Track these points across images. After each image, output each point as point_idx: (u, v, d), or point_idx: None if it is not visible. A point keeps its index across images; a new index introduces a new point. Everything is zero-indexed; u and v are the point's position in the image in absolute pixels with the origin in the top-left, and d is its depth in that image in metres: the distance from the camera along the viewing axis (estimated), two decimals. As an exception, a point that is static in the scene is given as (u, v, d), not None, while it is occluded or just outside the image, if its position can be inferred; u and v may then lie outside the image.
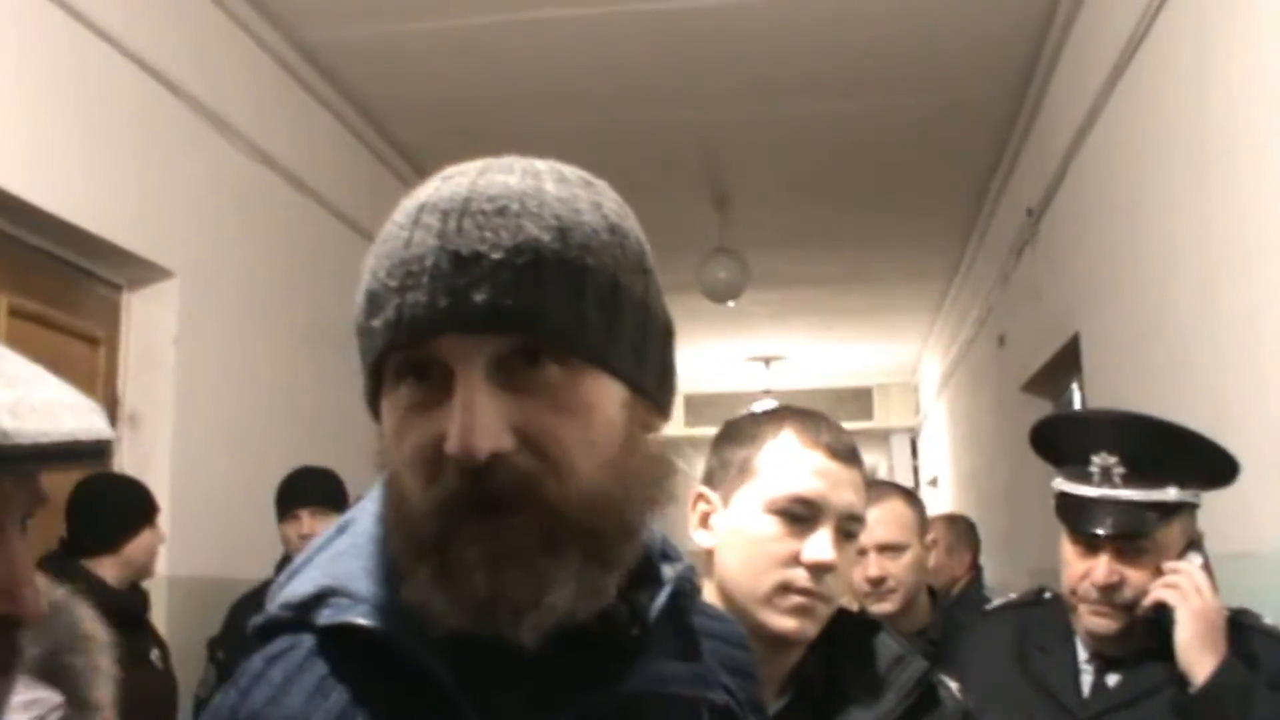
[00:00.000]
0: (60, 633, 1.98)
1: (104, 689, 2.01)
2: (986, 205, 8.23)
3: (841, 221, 8.68)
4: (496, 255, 0.98)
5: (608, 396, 1.06)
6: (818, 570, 1.78)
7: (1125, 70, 4.68)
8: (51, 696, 1.88)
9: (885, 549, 3.46)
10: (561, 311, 1.00)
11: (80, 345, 4.49)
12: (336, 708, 1.04)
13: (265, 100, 5.49)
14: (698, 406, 15.83)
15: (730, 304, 8.50)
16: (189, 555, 4.63)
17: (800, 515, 1.80)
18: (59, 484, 4.01)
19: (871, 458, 19.89)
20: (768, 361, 14.11)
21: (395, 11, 5.37)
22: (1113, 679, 2.57)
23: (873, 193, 8.09)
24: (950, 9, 5.51)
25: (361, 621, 1.05)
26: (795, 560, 1.78)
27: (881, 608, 3.45)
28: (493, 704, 1.03)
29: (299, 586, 1.11)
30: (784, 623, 1.77)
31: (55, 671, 1.93)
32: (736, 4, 5.43)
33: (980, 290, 8.95)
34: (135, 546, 3.95)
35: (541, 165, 1.08)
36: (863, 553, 3.45)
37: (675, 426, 16.17)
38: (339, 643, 1.06)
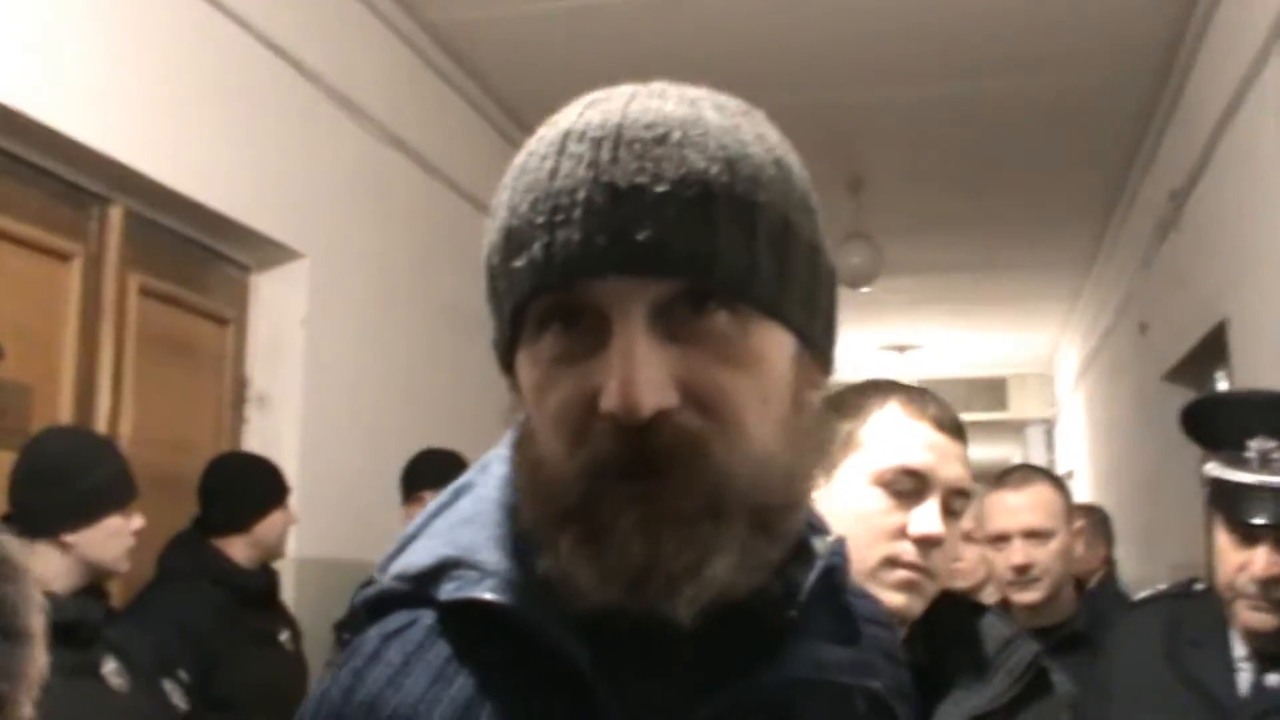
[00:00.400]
0: None
1: (36, 618, 1.93)
2: (1127, 188, 8.00)
3: (977, 206, 8.49)
4: (660, 188, 0.88)
5: (778, 348, 0.96)
6: (925, 544, 1.71)
7: (1276, 43, 4.48)
8: None
9: (1031, 535, 3.33)
10: (733, 253, 0.90)
11: (210, 326, 4.51)
12: (462, 695, 0.94)
13: (396, 84, 5.48)
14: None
15: (864, 290, 8.36)
16: (316, 537, 4.63)
17: (907, 488, 1.73)
18: (192, 464, 4.03)
19: (1006, 450, 19.61)
20: (901, 350, 13.88)
21: (526, -7, 5.34)
22: (1274, 679, 2.43)
23: (1009, 176, 7.90)
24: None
25: (491, 597, 0.95)
26: (902, 534, 1.71)
27: (1026, 597, 3.34)
28: (633, 692, 0.94)
29: (416, 557, 1.02)
30: (891, 598, 1.69)
31: None
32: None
33: (1120, 277, 8.72)
34: (266, 527, 3.94)
35: (695, 91, 0.98)
36: (1007, 539, 3.34)
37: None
38: (462, 621, 0.96)
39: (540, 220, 0.90)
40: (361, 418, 5.03)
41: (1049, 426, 15.43)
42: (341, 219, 4.99)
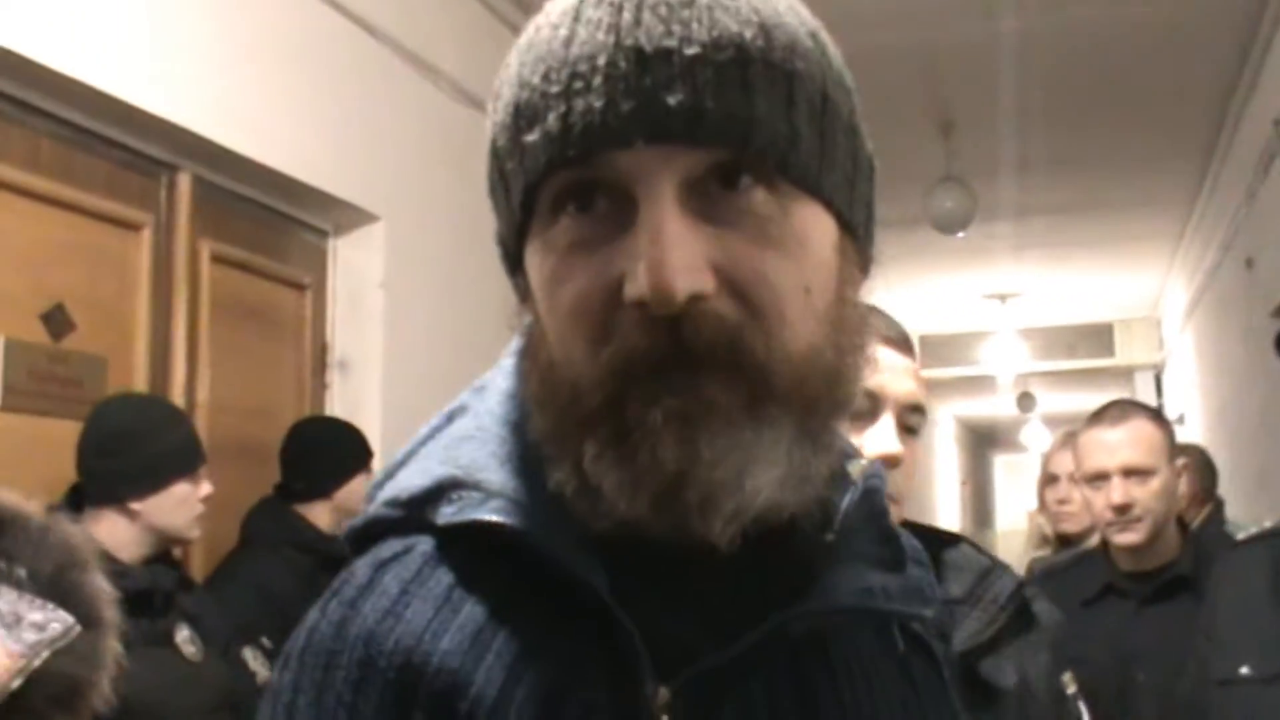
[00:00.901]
0: (58, 551, 1.91)
1: (110, 609, 1.96)
2: (1229, 119, 7.73)
3: (1073, 145, 8.24)
4: (691, 50, 0.79)
5: (821, 232, 0.87)
6: (884, 465, 1.60)
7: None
8: (63, 616, 1.82)
9: (1131, 473, 3.18)
10: (773, 121, 0.82)
11: (287, 292, 4.46)
12: (471, 624, 0.83)
13: (469, 41, 5.39)
14: (934, 347, 15.47)
15: (960, 235, 8.19)
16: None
17: (859, 409, 1.61)
18: (273, 431, 4.00)
19: (1113, 396, 19.30)
20: (1003, 299, 13.64)
21: (596, -58, 5.23)
22: None
23: (1106, 112, 7.66)
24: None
25: (497, 519, 0.84)
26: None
27: (1126, 538, 3.19)
28: (657, 622, 0.83)
29: (409, 479, 0.91)
30: None
31: (63, 590, 1.88)
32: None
33: (1225, 212, 8.46)
34: (349, 492, 3.90)
35: None
36: (1105, 477, 3.20)
37: (909, 368, 15.86)
38: (465, 547, 0.86)
39: (555, 90, 0.82)
40: (442, 379, 4.93)
41: (1158, 371, 15.11)
42: (417, 179, 4.92)
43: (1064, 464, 4.17)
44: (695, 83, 0.79)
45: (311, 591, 3.81)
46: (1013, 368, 15.62)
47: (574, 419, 0.83)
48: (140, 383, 3.62)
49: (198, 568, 3.74)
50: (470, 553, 0.86)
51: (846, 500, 0.93)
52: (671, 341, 0.79)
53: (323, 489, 3.88)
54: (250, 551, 3.72)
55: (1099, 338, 15.41)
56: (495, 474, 0.88)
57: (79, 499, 3.00)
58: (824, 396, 0.85)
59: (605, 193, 0.82)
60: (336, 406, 4.54)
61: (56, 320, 3.39)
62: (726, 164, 0.82)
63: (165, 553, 3.13)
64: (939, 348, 15.42)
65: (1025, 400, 18.22)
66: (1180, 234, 10.99)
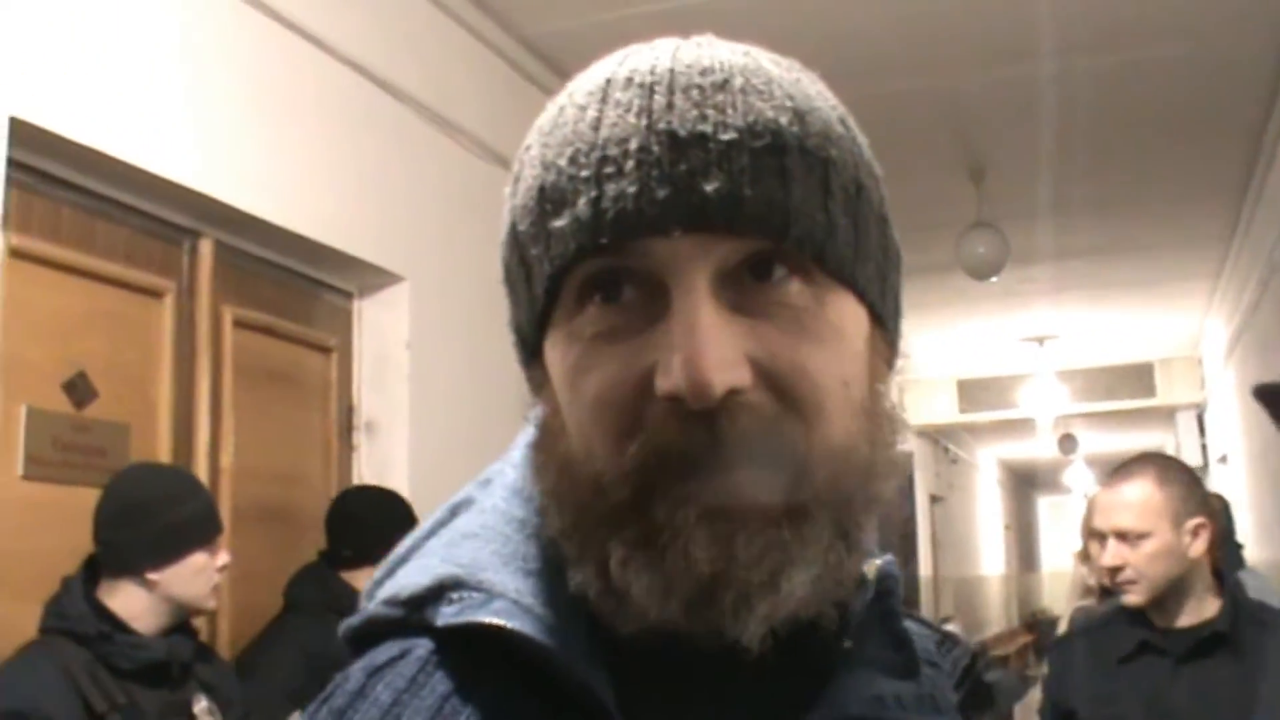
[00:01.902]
0: None
1: None
2: (1262, 157, 7.66)
3: (1106, 187, 8.19)
4: (727, 136, 0.77)
5: (855, 323, 0.84)
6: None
7: None
8: None
9: (1123, 536, 3.15)
10: (810, 210, 0.79)
11: (313, 355, 4.45)
12: None
13: (490, 97, 5.39)
14: (972, 392, 15.40)
15: (993, 280, 8.14)
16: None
17: None
18: (301, 495, 3.98)
19: (1156, 436, 19.12)
20: (1042, 341, 13.56)
21: (619, -2, 5.23)
22: None
23: (1137, 154, 7.61)
24: (1209, -54, 5.11)
25: (499, 622, 0.80)
26: None
27: (1128, 599, 3.21)
28: None
29: (410, 578, 0.87)
30: None
31: None
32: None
33: (1262, 249, 8.37)
34: None
35: (742, 45, 0.87)
36: (1104, 537, 3.20)
37: (949, 413, 15.82)
38: (464, 650, 0.81)
39: (585, 174, 0.78)
40: (470, 439, 4.94)
41: (1200, 411, 14.97)
42: (441, 239, 4.91)
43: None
44: (732, 170, 0.77)
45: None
46: (1053, 410, 15.52)
47: (597, 516, 0.79)
48: (164, 450, 3.61)
49: (224, 634, 3.72)
50: (469, 657, 0.82)
51: (859, 602, 0.88)
52: (706, 436, 0.76)
53: (369, 556, 3.86)
54: (295, 616, 3.71)
55: (1139, 378, 15.28)
56: (498, 574, 0.84)
57: (95, 569, 2.99)
58: (859, 493, 0.81)
59: (634, 282, 0.79)
60: (364, 469, 4.52)
61: (79, 389, 3.38)
62: (762, 254, 0.79)
63: (184, 623, 3.10)
64: (978, 392, 15.35)
65: (1067, 442, 18.11)
66: (1218, 273, 10.90)
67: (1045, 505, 31.84)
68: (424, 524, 0.93)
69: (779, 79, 0.82)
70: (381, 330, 4.68)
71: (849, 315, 0.83)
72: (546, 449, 0.85)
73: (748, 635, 0.77)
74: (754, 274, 0.79)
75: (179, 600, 3.03)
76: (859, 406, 0.82)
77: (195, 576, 3.05)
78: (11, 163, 3.07)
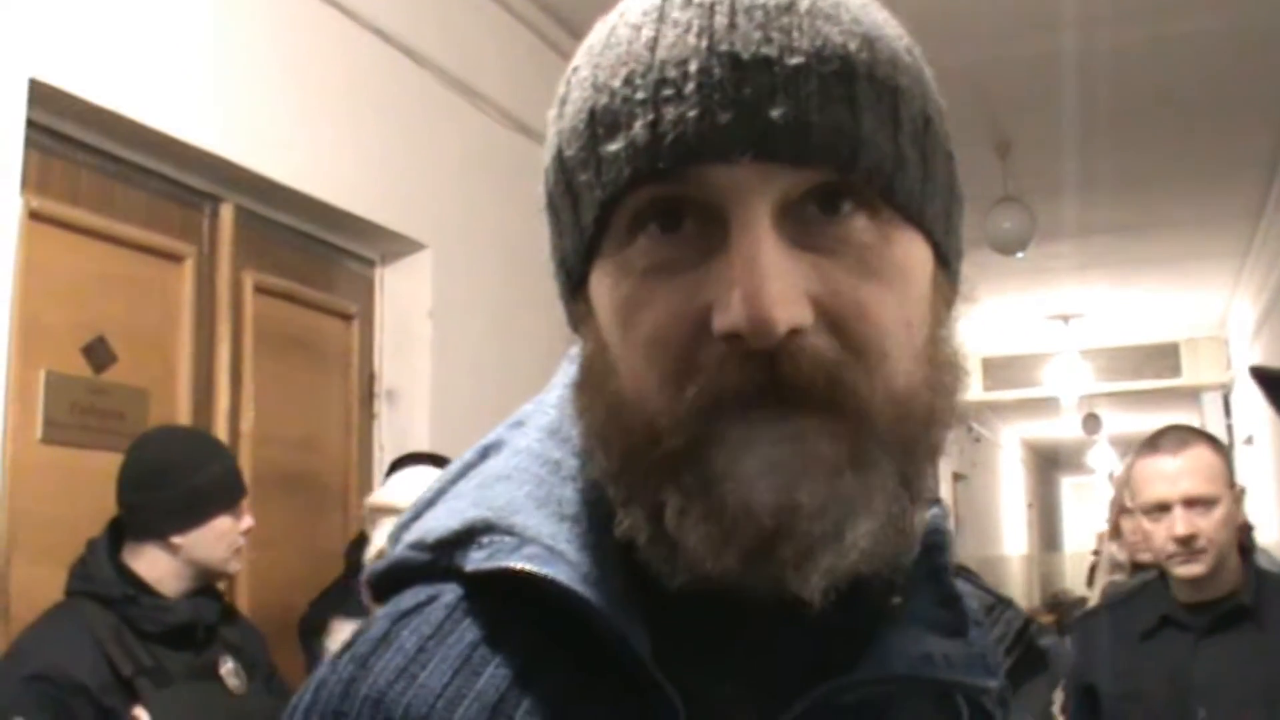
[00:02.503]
0: None
1: None
2: (1292, 132, 7.63)
3: (1133, 163, 8.12)
4: (793, 60, 0.73)
5: (921, 263, 0.81)
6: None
7: None
8: None
9: (1193, 503, 3.07)
10: (880, 142, 0.75)
11: (334, 322, 4.44)
12: (491, 691, 0.75)
13: (515, 66, 5.36)
14: (996, 369, 15.34)
15: (1019, 255, 8.09)
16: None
17: None
18: (320, 461, 3.97)
19: (1181, 417, 19.05)
20: (1067, 319, 13.49)
21: (642, -35, 5.20)
22: None
23: (1164, 129, 7.55)
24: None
25: (530, 568, 0.77)
26: None
27: (1190, 570, 3.09)
28: (701, 686, 0.76)
29: (438, 520, 0.83)
30: None
31: None
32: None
33: (1290, 228, 8.33)
34: None
35: None
36: (1166, 508, 3.10)
37: (973, 390, 15.76)
38: (494, 596, 0.78)
39: (641, 95, 0.74)
40: (492, 408, 4.89)
41: (1226, 392, 14.90)
42: (464, 207, 4.89)
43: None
44: (799, 96, 0.73)
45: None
46: (1077, 389, 15.46)
47: (650, 461, 0.75)
48: (183, 415, 3.59)
49: (244, 598, 3.71)
50: (499, 604, 0.79)
51: (908, 557, 0.84)
52: (767, 378, 0.72)
53: None
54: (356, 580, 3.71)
55: (1164, 358, 15.21)
56: (531, 517, 0.81)
57: (119, 532, 2.98)
58: (922, 440, 0.78)
59: (692, 212, 0.76)
60: (384, 437, 4.51)
61: (98, 353, 3.37)
62: (828, 186, 0.75)
63: (208, 585, 3.09)
64: (1002, 370, 15.28)
65: (1091, 422, 18.02)
66: (1245, 251, 10.84)
67: (1069, 485, 31.75)
68: (453, 466, 0.90)
69: (846, 2, 0.78)
70: (403, 298, 4.66)
71: (915, 255, 0.80)
72: (592, 388, 0.81)
73: (809, 590, 0.74)
74: (820, 206, 0.76)
75: (202, 564, 3.02)
76: (922, 351, 0.79)
77: (218, 540, 3.04)
78: (31, 124, 3.05)
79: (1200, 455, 3.12)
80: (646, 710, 0.76)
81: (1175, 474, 3.10)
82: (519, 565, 0.77)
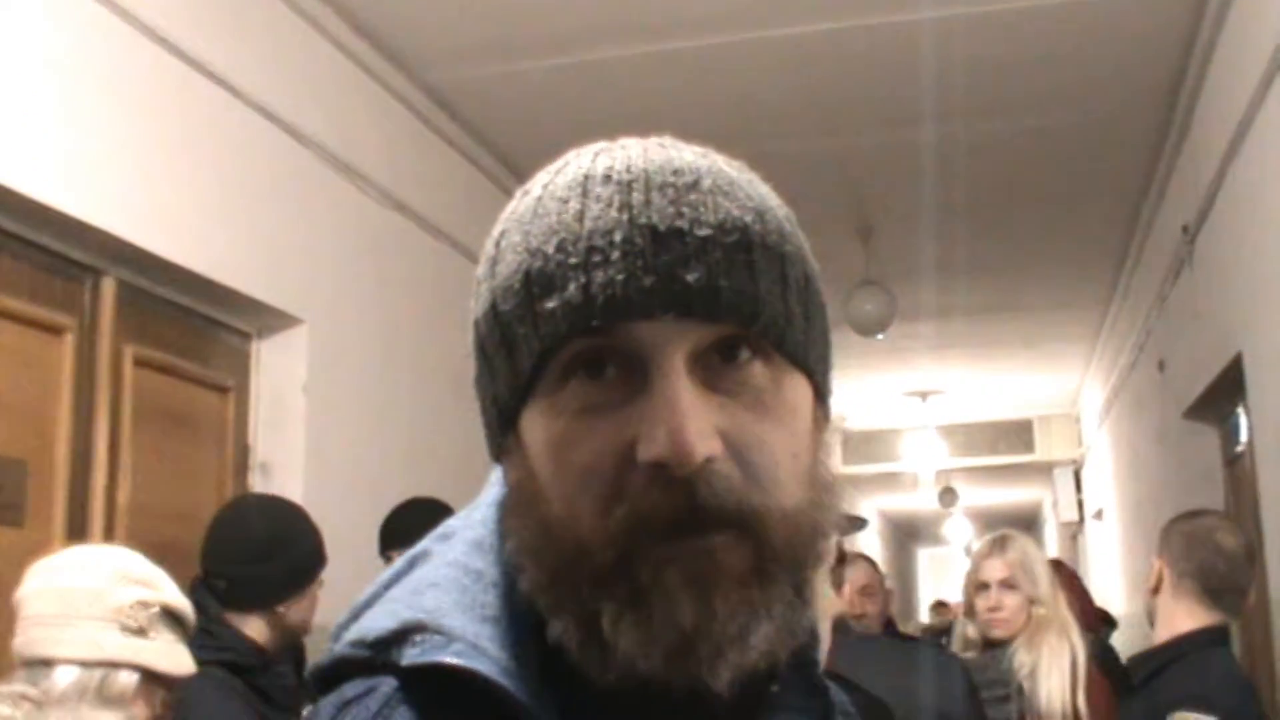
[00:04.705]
0: None
1: None
2: (1140, 225, 7.94)
3: (990, 249, 8.43)
4: (702, 232, 0.86)
5: (805, 401, 0.94)
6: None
7: (1277, 75, 4.44)
8: None
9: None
10: (773, 300, 0.89)
11: (211, 395, 4.48)
12: None
13: (394, 145, 5.46)
14: (855, 444, 15.61)
15: (879, 337, 8.32)
16: (321, 605, 4.56)
17: None
18: (194, 533, 3.97)
19: (1034, 491, 19.43)
20: (924, 396, 13.82)
21: (521, 50, 5.32)
22: None
23: (1022, 217, 7.86)
24: (1091, 22, 5.30)
25: (459, 662, 0.88)
26: None
27: None
28: None
29: (375, 621, 0.95)
30: None
31: None
32: (867, 27, 5.28)
33: (1138, 314, 8.64)
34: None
35: (700, 148, 0.96)
36: None
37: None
38: (425, 688, 0.89)
39: (573, 261, 0.86)
40: (366, 483, 4.98)
41: (1077, 467, 15.31)
42: (341, 283, 4.97)
43: (994, 571, 4.23)
44: (708, 263, 0.86)
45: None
46: (934, 464, 15.79)
47: (581, 575, 0.87)
48: (61, 486, 3.62)
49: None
50: (430, 696, 0.89)
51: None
52: (686, 500, 0.84)
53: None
54: None
55: (1019, 434, 15.61)
56: (457, 619, 0.92)
57: (200, 598, 2.98)
58: (809, 553, 0.91)
59: (615, 360, 0.87)
60: (258, 509, 4.53)
61: (-24, 424, 3.39)
62: (730, 338, 0.88)
63: (295, 649, 3.27)
64: (861, 444, 15.56)
65: (947, 495, 18.39)
66: (1096, 335, 11.21)
67: (925, 557, 32.21)
68: (383, 575, 1.02)
69: (738, 180, 0.92)
70: (278, 372, 4.71)
71: (800, 394, 0.93)
72: (522, 511, 0.92)
73: (719, 683, 0.85)
74: (721, 355, 0.88)
75: (295, 630, 3.20)
76: (806, 475, 0.91)
77: (311, 607, 3.23)
78: (-84, 197, 3.09)
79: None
80: None
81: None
82: (448, 660, 0.89)
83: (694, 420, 0.84)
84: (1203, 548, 3.33)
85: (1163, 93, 6.05)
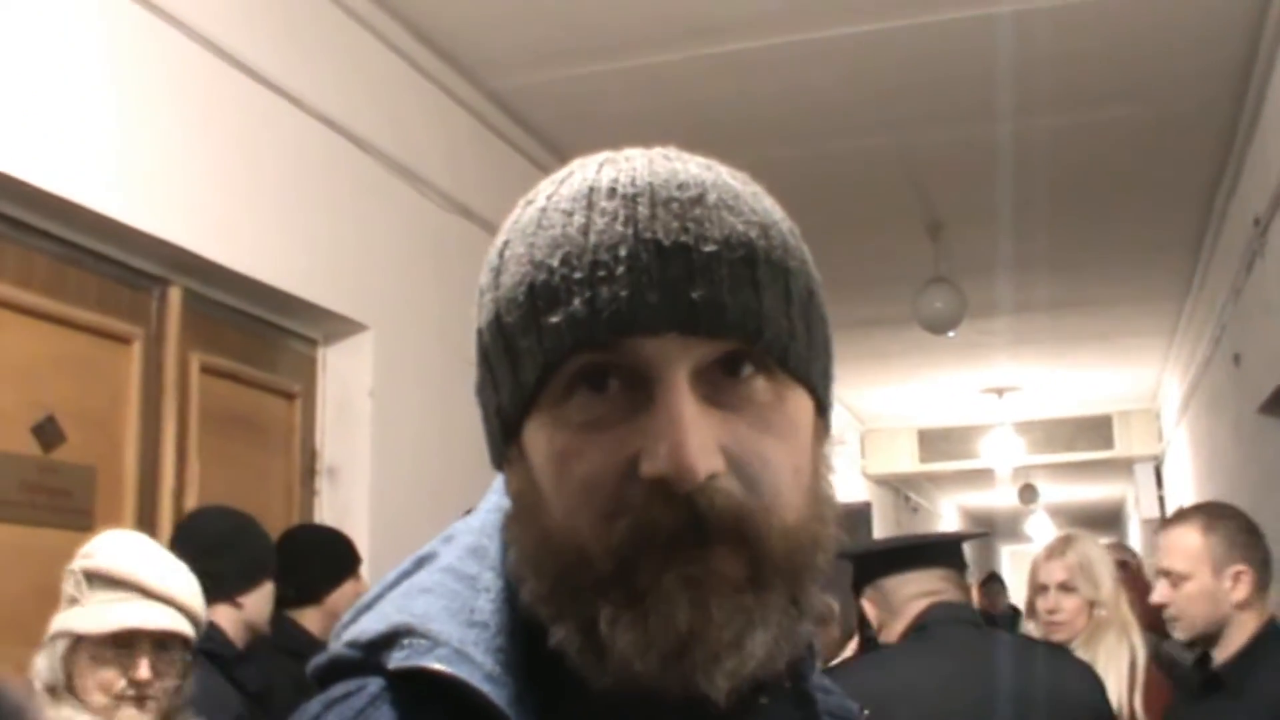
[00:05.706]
0: None
1: None
2: (1213, 217, 7.84)
3: (1063, 243, 8.32)
4: (708, 248, 0.87)
5: (806, 415, 0.95)
6: None
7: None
8: None
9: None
10: (777, 316, 0.90)
11: (277, 400, 4.55)
12: None
13: (457, 150, 5.51)
14: (932, 441, 15.53)
15: (950, 334, 8.27)
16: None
17: None
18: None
19: (1115, 488, 19.19)
20: (1001, 393, 13.71)
21: (583, 54, 5.34)
22: None
23: (1094, 211, 7.76)
24: (1160, 13, 5.25)
25: (439, 667, 0.90)
26: None
27: None
28: None
29: (369, 624, 0.97)
30: None
31: None
32: (933, 24, 5.25)
33: (1213, 307, 8.52)
34: (338, 598, 3.94)
35: (704, 159, 0.96)
36: None
37: (910, 462, 15.91)
38: (410, 691, 0.92)
39: (578, 275, 0.87)
40: (431, 486, 5.02)
41: (1158, 463, 15.12)
42: (405, 288, 5.02)
43: (1053, 574, 4.20)
44: (713, 279, 0.87)
45: (301, 696, 3.95)
46: (1012, 460, 15.66)
47: (582, 583, 0.88)
48: (130, 493, 3.69)
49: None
50: (413, 697, 0.91)
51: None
52: (687, 514, 0.85)
53: (313, 595, 3.93)
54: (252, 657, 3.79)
55: (1098, 430, 15.42)
56: (445, 625, 0.93)
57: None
58: (807, 565, 0.92)
59: (618, 375, 0.88)
60: (325, 514, 4.60)
61: (48, 432, 3.46)
62: (734, 354, 0.89)
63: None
64: (938, 441, 15.47)
65: (1027, 492, 18.22)
66: (1173, 329, 11.07)
67: (1007, 554, 31.91)
68: (390, 574, 1.04)
69: (743, 194, 0.93)
70: (345, 377, 4.77)
71: (802, 409, 0.94)
72: (524, 521, 0.94)
73: (714, 689, 0.86)
74: (725, 370, 0.89)
75: (254, 624, 3.45)
76: (806, 490, 0.93)
77: (265, 603, 3.51)
78: (-14, 212, 3.17)
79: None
80: None
81: None
82: (431, 665, 0.91)
83: (696, 436, 0.85)
84: (1260, 540, 3.30)
85: (1233, 83, 5.97)
